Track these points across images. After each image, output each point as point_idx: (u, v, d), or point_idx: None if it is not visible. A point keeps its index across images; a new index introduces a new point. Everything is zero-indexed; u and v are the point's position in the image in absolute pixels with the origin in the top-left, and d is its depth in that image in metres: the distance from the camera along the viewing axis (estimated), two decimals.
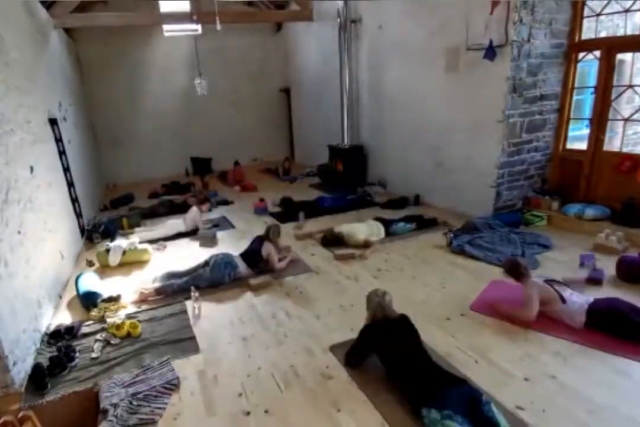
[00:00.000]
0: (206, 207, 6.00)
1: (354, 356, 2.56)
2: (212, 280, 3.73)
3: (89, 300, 3.52)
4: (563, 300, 2.85)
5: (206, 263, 3.88)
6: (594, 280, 3.39)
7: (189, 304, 3.43)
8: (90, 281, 3.75)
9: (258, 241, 4.09)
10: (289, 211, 5.79)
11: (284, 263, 4.04)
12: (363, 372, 2.50)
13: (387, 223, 4.86)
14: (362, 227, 4.66)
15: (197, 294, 3.40)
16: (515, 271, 3.04)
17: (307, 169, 8.41)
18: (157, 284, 3.72)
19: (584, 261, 3.54)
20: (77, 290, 3.64)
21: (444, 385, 2.10)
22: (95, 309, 3.41)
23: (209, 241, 4.86)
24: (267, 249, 3.97)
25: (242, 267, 3.87)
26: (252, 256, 3.97)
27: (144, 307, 3.49)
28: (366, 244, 4.40)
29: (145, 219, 5.95)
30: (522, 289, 2.99)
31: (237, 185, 7.79)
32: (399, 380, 2.30)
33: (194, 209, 5.49)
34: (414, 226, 4.84)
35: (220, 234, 5.19)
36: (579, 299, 2.87)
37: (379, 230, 4.70)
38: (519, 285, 3.04)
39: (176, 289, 3.66)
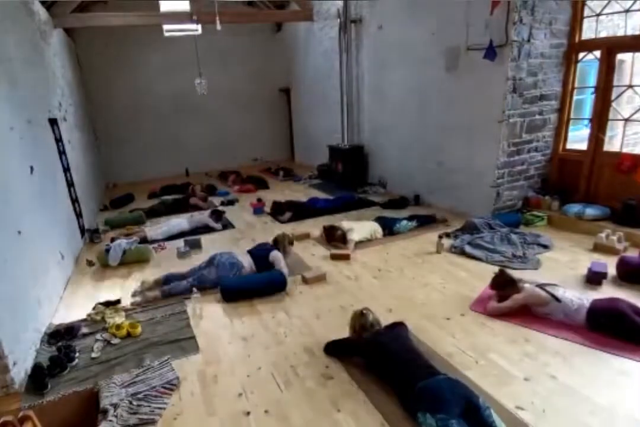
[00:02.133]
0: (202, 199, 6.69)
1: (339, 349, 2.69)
2: (218, 281, 3.65)
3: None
4: (557, 300, 2.85)
5: (210, 263, 3.84)
6: (597, 274, 3.37)
7: (189, 304, 3.42)
8: None
9: (268, 247, 4.03)
10: (278, 213, 5.77)
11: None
12: (363, 372, 2.49)
13: (389, 222, 4.87)
14: (363, 228, 4.66)
15: (198, 295, 3.40)
16: (504, 281, 3.09)
17: (308, 173, 8.43)
18: (158, 292, 3.60)
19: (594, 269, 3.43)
20: None
21: (426, 376, 2.12)
22: (93, 312, 3.40)
23: (184, 255, 4.67)
24: (274, 255, 3.88)
25: (247, 266, 3.84)
26: (259, 258, 3.90)
27: (144, 307, 3.49)
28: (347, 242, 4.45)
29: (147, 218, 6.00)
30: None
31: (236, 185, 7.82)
32: (390, 382, 2.31)
33: (205, 213, 5.71)
34: (416, 224, 4.90)
35: (221, 234, 5.29)
36: (577, 298, 2.86)
37: (376, 232, 4.72)
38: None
39: (182, 290, 3.61)
